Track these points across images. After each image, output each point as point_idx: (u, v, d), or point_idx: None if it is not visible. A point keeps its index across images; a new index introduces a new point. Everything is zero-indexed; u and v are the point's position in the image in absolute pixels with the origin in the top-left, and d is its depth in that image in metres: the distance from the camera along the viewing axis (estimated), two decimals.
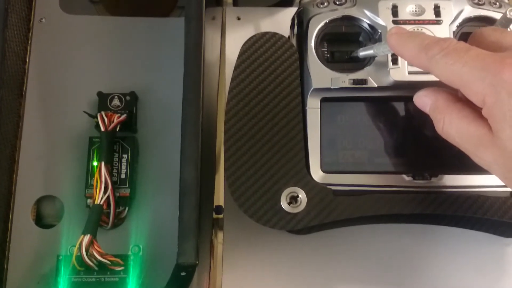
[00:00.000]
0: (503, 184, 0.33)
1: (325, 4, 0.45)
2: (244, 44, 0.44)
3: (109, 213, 0.44)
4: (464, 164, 0.39)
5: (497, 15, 0.43)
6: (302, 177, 0.41)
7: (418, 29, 0.43)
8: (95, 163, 0.46)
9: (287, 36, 0.46)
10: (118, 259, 0.42)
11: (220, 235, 0.47)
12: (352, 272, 0.46)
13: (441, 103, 0.35)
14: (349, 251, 0.47)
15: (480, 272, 0.46)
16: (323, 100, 0.43)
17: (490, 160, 0.32)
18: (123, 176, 0.46)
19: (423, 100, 0.37)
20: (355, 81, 0.42)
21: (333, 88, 0.42)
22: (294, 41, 0.46)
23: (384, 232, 0.47)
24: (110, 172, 0.45)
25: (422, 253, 0.46)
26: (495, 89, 0.30)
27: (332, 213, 0.40)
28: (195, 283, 0.45)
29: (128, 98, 0.48)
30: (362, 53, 0.42)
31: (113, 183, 0.45)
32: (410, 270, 0.46)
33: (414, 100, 0.38)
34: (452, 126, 0.34)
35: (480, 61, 0.32)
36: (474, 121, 0.33)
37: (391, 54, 0.40)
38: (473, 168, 0.35)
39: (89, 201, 0.45)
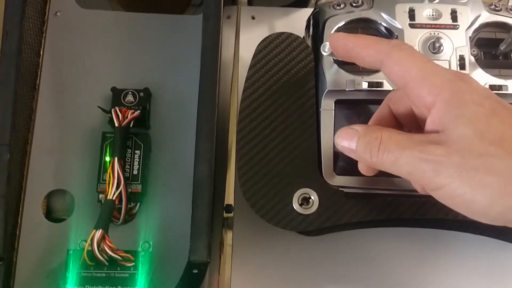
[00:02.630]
0: None
1: (342, 6, 0.45)
2: (259, 44, 0.44)
3: (120, 209, 0.44)
4: None
5: None
6: (315, 178, 0.41)
7: (434, 33, 0.43)
8: (107, 158, 0.46)
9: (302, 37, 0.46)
10: (129, 255, 0.42)
11: (229, 236, 0.48)
12: (360, 274, 0.46)
13: (374, 127, 0.35)
14: (358, 253, 0.47)
15: (488, 278, 0.46)
16: (337, 102, 0.43)
17: (442, 153, 0.30)
18: (135, 172, 0.46)
19: (349, 133, 0.35)
20: (370, 84, 0.42)
21: (348, 90, 0.42)
22: (309, 42, 0.46)
23: (394, 236, 0.47)
24: (122, 168, 0.45)
25: (431, 257, 0.46)
26: (454, 83, 0.31)
27: (344, 216, 0.40)
28: (206, 281, 0.45)
29: (141, 94, 0.48)
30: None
31: (125, 179, 0.45)
32: (419, 274, 0.46)
33: (336, 141, 0.36)
34: (391, 139, 0.32)
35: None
36: (415, 131, 0.34)
37: None
38: None
39: (100, 196, 0.45)
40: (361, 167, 0.38)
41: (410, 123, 0.36)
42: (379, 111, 0.38)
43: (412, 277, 0.46)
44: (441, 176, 0.30)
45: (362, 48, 0.35)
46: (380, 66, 0.34)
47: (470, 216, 0.31)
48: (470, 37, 0.43)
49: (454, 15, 0.43)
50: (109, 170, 0.44)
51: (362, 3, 0.45)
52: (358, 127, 0.35)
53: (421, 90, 0.32)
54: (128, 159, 0.46)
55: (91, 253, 0.41)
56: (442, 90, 0.31)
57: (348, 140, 0.35)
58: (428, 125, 0.32)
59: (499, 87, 0.41)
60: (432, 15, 0.43)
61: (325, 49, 0.39)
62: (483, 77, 0.42)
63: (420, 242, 0.47)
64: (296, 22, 0.55)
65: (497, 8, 0.44)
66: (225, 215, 0.49)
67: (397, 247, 0.47)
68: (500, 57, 0.44)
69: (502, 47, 0.43)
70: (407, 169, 0.32)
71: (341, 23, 0.44)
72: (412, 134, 0.33)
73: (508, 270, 0.47)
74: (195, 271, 0.39)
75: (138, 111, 0.47)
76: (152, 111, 0.49)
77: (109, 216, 0.42)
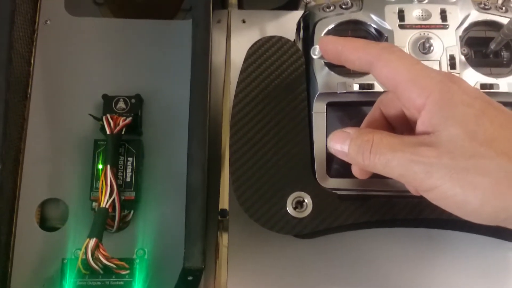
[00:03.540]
0: None
1: (331, 8, 0.45)
2: (250, 48, 0.44)
3: (114, 217, 0.44)
4: None
5: (504, 20, 0.44)
6: (308, 181, 0.41)
7: (424, 33, 0.43)
8: (100, 166, 0.46)
9: (292, 40, 0.46)
10: (123, 263, 0.42)
11: (225, 238, 0.48)
12: (356, 275, 0.46)
13: (365, 130, 0.35)
14: (354, 255, 0.47)
15: (484, 276, 0.46)
16: (329, 105, 0.43)
17: (432, 155, 0.30)
18: (128, 179, 0.46)
19: (342, 136, 0.35)
20: (362, 86, 0.42)
21: (339, 93, 0.42)
22: (300, 45, 0.46)
23: (389, 236, 0.47)
24: (115, 175, 0.45)
25: (426, 257, 0.46)
26: (444, 84, 0.31)
27: (338, 218, 0.40)
28: (201, 286, 0.45)
29: (133, 100, 0.48)
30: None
31: (118, 186, 0.45)
32: (415, 274, 0.46)
33: (328, 144, 0.36)
34: (383, 142, 0.32)
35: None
36: (406, 132, 0.34)
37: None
38: None
39: (94, 204, 0.45)
40: (355, 170, 0.38)
41: (402, 125, 0.36)
42: (371, 114, 0.38)
43: (408, 277, 0.46)
44: (432, 178, 0.30)
45: (351, 51, 0.35)
46: (370, 69, 0.34)
47: (463, 217, 0.31)
48: (460, 37, 0.43)
49: (443, 15, 0.43)
50: (102, 178, 0.44)
51: (352, 5, 0.45)
52: (350, 130, 0.35)
53: (411, 92, 0.32)
54: (120, 166, 0.46)
55: (85, 262, 0.41)
56: (431, 91, 0.31)
57: (340, 143, 0.35)
58: (419, 127, 0.32)
59: (490, 86, 0.41)
60: (422, 15, 0.43)
61: (315, 52, 0.39)
62: (474, 76, 0.42)
63: (415, 242, 0.47)
64: (287, 24, 0.55)
65: (486, 7, 0.44)
66: (220, 219, 0.48)
67: (392, 248, 0.47)
68: (491, 56, 0.44)
69: (492, 45, 0.43)
70: (399, 171, 0.32)
71: (331, 26, 0.44)
72: (403, 136, 0.33)
73: (504, 268, 0.47)
74: (190, 278, 0.39)
75: (130, 118, 0.47)
76: (144, 117, 0.49)
77: (102, 224, 0.42)
